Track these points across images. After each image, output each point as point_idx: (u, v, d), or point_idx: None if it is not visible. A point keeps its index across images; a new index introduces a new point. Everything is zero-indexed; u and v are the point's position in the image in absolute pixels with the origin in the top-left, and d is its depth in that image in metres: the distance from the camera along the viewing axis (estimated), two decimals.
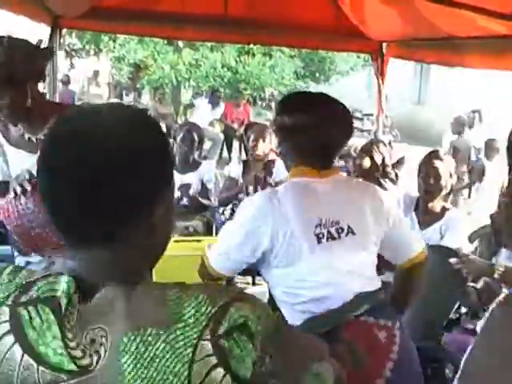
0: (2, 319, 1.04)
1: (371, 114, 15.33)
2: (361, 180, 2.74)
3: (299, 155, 2.16)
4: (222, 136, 12.30)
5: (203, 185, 5.22)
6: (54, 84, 7.01)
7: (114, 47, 14.91)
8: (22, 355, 1.02)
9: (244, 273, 4.47)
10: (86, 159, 1.04)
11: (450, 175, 3.71)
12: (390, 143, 7.89)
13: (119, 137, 1.07)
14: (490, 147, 9.53)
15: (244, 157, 5.56)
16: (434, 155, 3.79)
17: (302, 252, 2.03)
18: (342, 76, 17.41)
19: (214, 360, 1.01)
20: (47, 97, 7.28)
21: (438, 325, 3.16)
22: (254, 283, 4.85)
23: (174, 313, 1.03)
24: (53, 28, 6.50)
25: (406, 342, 2.12)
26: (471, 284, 3.20)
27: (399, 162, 5.30)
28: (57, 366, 1.01)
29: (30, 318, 1.02)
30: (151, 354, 1.00)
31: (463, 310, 3.35)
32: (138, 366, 0.99)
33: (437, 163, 3.68)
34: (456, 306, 3.26)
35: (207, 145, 10.84)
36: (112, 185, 1.04)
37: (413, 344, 2.18)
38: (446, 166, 3.70)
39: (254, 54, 14.85)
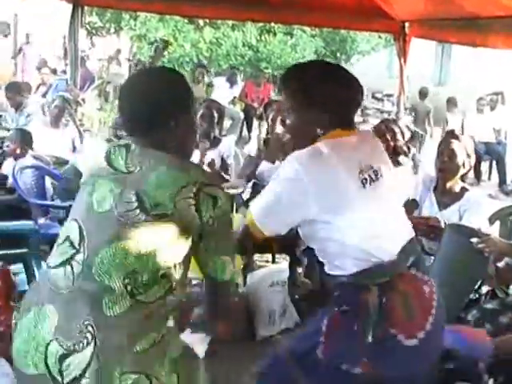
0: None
1: (391, 95, 15.22)
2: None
3: (332, 119, 2.16)
4: (242, 115, 12.27)
5: (223, 160, 5.25)
6: (75, 62, 7.06)
7: (135, 25, 14.90)
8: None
9: (263, 250, 4.51)
10: (142, 90, 1.99)
11: (468, 155, 3.67)
12: (409, 125, 7.85)
13: (160, 81, 2.02)
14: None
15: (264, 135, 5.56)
16: (450, 134, 3.77)
17: (349, 198, 2.06)
18: (363, 56, 17.29)
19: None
20: (68, 75, 7.34)
21: (457, 305, 3.16)
22: (273, 261, 4.90)
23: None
24: (74, 6, 6.54)
25: (439, 298, 2.22)
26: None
27: (413, 137, 5.25)
28: (120, 170, 1.91)
29: (113, 154, 1.94)
30: (161, 177, 1.86)
31: (483, 290, 3.34)
32: (155, 175, 1.85)
33: (453, 142, 3.65)
34: (476, 287, 3.26)
35: (227, 123, 10.83)
36: (151, 103, 1.95)
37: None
38: (462, 146, 3.67)
39: (275, 33, 14.79)
